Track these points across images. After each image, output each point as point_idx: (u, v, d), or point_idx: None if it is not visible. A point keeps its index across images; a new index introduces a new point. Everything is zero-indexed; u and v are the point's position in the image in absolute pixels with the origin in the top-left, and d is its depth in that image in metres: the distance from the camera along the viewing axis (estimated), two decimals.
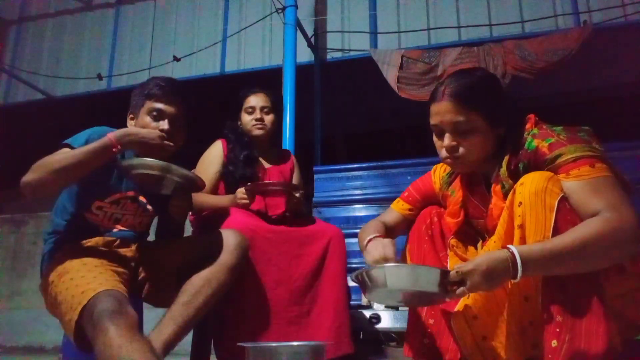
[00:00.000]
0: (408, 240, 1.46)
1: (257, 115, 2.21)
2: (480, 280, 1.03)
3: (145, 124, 1.61)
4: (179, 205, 1.63)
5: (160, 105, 1.61)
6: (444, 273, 1.07)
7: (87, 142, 1.48)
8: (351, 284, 2.07)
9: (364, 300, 2.28)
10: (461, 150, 1.24)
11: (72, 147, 1.47)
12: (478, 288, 1.05)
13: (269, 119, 2.24)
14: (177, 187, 1.53)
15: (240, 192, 2.00)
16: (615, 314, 1.06)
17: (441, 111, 1.23)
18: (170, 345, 1.44)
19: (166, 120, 1.61)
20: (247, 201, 1.98)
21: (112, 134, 1.44)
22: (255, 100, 2.24)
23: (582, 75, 4.80)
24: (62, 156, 1.41)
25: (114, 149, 1.43)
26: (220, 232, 1.68)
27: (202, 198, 2.03)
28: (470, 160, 1.26)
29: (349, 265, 2.02)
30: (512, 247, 1.04)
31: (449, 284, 1.06)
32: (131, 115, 1.69)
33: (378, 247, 1.29)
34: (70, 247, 1.54)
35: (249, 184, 2.03)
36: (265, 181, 2.13)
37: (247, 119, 2.22)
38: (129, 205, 1.65)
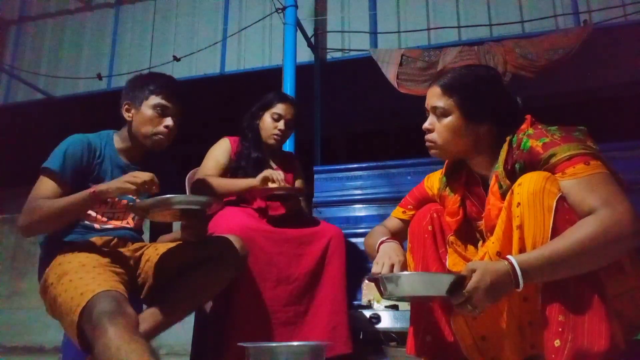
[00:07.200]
0: (409, 236, 1.46)
1: (281, 126, 2.21)
2: (484, 297, 1.03)
3: (147, 116, 1.66)
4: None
5: (167, 103, 1.68)
6: (461, 278, 1.06)
7: (65, 159, 1.54)
8: (351, 284, 2.07)
9: (364, 300, 2.28)
10: (434, 133, 1.30)
11: (51, 171, 1.53)
12: (484, 303, 1.05)
13: (288, 133, 2.26)
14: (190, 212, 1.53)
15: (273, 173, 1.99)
16: (615, 314, 1.06)
17: (429, 95, 1.31)
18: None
19: (169, 118, 1.67)
20: (282, 176, 1.99)
21: (96, 189, 1.45)
22: (285, 110, 2.23)
23: (582, 75, 4.79)
24: (48, 206, 1.47)
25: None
26: (221, 238, 1.68)
27: (217, 182, 2.05)
28: (439, 146, 1.30)
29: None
30: (511, 258, 1.05)
31: (460, 289, 1.06)
32: (127, 106, 1.70)
33: (390, 252, 1.36)
34: (68, 249, 1.54)
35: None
36: (272, 187, 2.13)
37: (269, 125, 2.22)
38: (119, 203, 1.67)
